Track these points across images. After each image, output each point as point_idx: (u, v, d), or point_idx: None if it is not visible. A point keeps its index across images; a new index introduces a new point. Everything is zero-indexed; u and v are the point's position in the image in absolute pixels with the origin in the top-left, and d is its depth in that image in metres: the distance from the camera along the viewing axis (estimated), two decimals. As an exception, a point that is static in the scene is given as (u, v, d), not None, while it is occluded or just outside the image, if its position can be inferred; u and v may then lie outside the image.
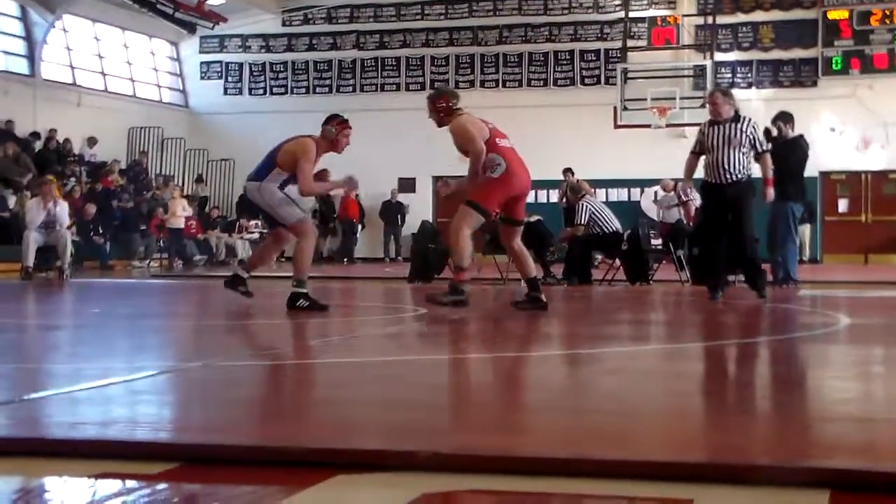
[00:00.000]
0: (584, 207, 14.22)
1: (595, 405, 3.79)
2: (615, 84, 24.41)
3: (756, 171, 10.06)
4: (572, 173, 20.27)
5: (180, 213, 22.84)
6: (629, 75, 24.29)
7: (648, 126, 23.85)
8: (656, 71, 24.43)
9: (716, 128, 9.90)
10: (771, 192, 10.14)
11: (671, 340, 6.94)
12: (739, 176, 9.77)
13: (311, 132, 8.80)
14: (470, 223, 8.21)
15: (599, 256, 16.99)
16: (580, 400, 3.98)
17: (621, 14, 25.99)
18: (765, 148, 10.15)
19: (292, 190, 8.66)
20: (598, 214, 14.17)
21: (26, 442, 2.91)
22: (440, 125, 8.53)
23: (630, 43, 25.41)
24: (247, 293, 9.00)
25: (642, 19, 25.99)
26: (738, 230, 9.81)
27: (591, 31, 26.98)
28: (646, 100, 23.59)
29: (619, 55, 25.45)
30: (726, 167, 9.76)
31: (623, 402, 3.79)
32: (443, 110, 8.41)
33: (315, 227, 9.12)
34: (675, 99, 23.70)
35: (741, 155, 9.79)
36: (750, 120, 10.03)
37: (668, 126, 24.04)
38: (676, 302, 11.00)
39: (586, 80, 26.80)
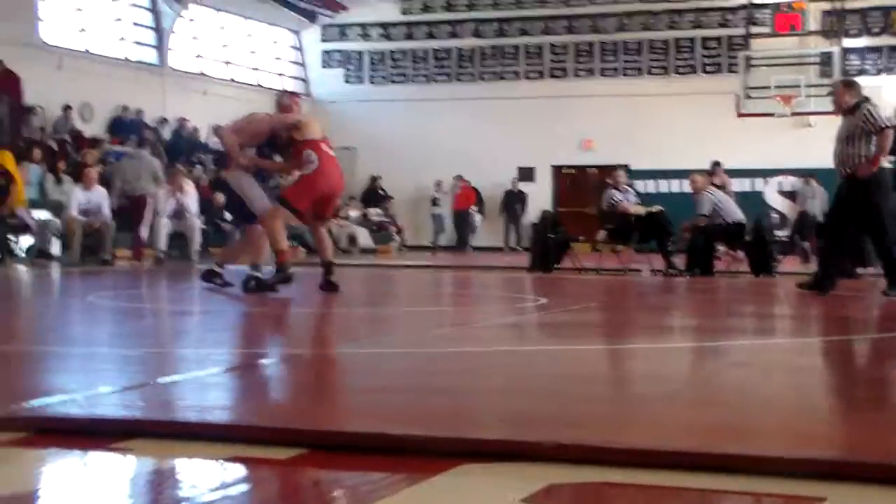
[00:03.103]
0: (707, 198, 14.00)
1: (721, 398, 3.73)
2: (737, 72, 23.96)
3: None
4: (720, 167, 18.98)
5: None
6: (752, 63, 23.80)
7: (772, 115, 23.36)
8: (781, 58, 23.89)
9: (841, 119, 9.60)
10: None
11: (796, 334, 6.80)
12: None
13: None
14: (280, 217, 8.86)
15: (722, 248, 16.68)
16: (705, 393, 3.93)
17: (744, 0, 25.45)
18: (880, 125, 9.23)
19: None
20: (720, 205, 13.94)
21: (160, 424, 3.00)
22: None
23: (753, 29, 24.85)
24: (225, 284, 9.44)
25: (766, 5, 25.33)
26: (864, 225, 9.38)
27: (712, 18, 26.48)
28: (769, 88, 23.10)
29: (741, 42, 24.94)
30: (839, 160, 9.39)
31: (749, 396, 3.73)
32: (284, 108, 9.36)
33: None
34: (800, 87, 23.15)
35: (855, 148, 9.24)
36: (865, 106, 9.38)
37: (793, 115, 23.50)
38: (800, 295, 10.75)
39: (708, 68, 26.34)
